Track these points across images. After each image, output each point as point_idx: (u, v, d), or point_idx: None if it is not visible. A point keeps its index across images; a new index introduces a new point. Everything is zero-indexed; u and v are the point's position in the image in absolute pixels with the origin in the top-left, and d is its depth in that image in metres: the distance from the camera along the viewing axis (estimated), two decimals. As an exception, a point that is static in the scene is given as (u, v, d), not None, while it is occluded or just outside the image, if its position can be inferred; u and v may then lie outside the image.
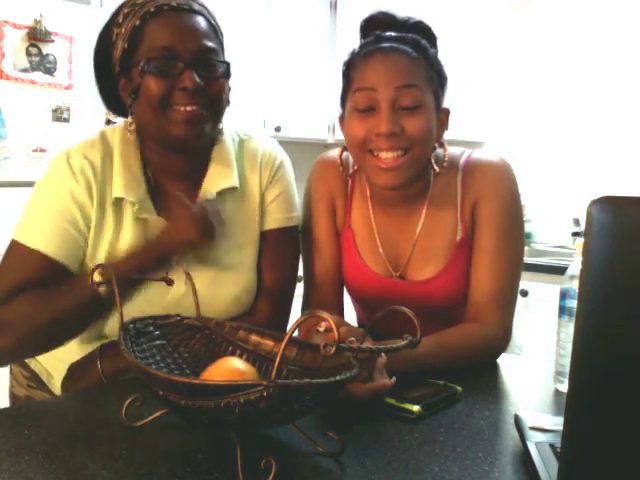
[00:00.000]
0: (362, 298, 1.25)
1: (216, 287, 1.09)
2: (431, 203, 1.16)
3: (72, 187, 1.02)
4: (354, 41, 1.14)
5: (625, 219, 0.49)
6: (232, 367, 0.74)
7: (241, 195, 1.14)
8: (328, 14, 3.45)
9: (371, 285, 1.19)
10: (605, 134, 2.98)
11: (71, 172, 1.03)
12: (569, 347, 0.88)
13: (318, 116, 3.38)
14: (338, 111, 1.16)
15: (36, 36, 2.29)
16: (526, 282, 2.48)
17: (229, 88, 1.08)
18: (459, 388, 0.92)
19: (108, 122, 2.43)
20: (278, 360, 0.61)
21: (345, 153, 1.19)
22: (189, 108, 1.00)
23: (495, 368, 1.11)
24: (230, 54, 1.10)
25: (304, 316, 0.63)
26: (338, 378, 0.66)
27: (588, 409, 0.51)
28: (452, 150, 1.17)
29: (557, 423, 0.75)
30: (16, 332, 0.97)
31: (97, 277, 0.92)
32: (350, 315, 1.30)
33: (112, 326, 1.03)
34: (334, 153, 1.23)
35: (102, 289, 0.96)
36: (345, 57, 1.13)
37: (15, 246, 1.02)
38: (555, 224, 3.13)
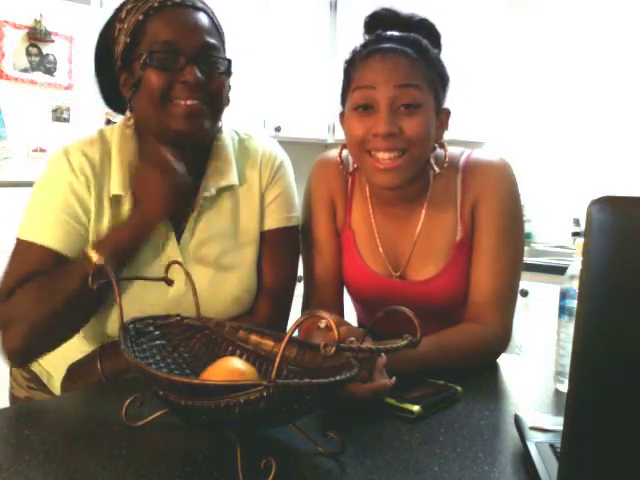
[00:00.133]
0: (362, 298, 1.25)
1: (216, 287, 1.09)
2: (431, 203, 1.16)
3: (71, 181, 1.03)
4: (354, 41, 1.14)
5: (625, 219, 0.49)
6: (232, 367, 0.74)
7: (241, 194, 1.14)
8: (328, 14, 3.45)
9: (371, 285, 1.19)
10: (605, 134, 2.98)
11: (70, 168, 1.03)
12: (569, 347, 0.88)
13: (318, 116, 3.38)
14: (338, 109, 1.16)
15: (36, 36, 2.29)
16: (526, 282, 2.47)
17: (229, 86, 1.08)
18: (459, 388, 0.92)
19: (108, 122, 2.43)
20: (278, 360, 0.61)
21: (345, 152, 1.19)
22: (189, 102, 1.00)
23: (495, 368, 1.11)
24: (230, 54, 1.10)
25: (304, 316, 0.63)
26: (338, 378, 0.66)
27: (588, 409, 0.51)
28: (452, 150, 1.17)
29: (557, 423, 0.75)
30: (21, 326, 0.97)
31: (92, 254, 0.96)
32: (350, 315, 1.30)
33: (114, 326, 1.03)
34: (334, 153, 1.23)
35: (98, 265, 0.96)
36: (346, 56, 1.13)
37: (19, 244, 1.03)
38: (555, 224, 3.13)
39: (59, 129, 2.38)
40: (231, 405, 0.62)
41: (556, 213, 3.12)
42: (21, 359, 1.04)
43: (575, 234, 2.95)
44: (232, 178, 1.11)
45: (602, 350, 0.50)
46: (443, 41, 1.15)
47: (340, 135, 1.18)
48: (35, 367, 1.14)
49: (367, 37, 1.13)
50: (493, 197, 1.13)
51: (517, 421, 0.79)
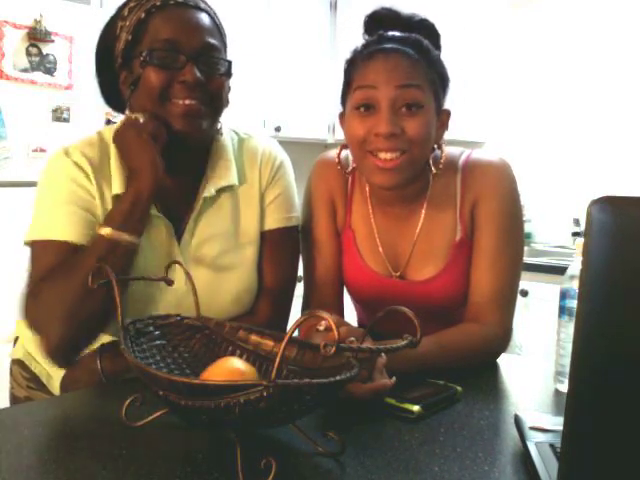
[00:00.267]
0: (362, 298, 1.25)
1: (217, 287, 1.09)
2: (430, 203, 1.16)
3: (75, 175, 1.02)
4: (354, 41, 1.14)
5: (625, 219, 0.49)
6: (232, 367, 0.74)
7: (240, 194, 1.14)
8: (328, 14, 3.45)
9: (371, 285, 1.19)
10: (605, 134, 2.98)
11: (72, 163, 1.03)
12: (569, 347, 0.88)
13: (318, 116, 3.38)
14: (338, 109, 1.16)
15: (36, 36, 2.29)
16: (526, 282, 2.48)
17: (229, 88, 1.08)
18: (459, 388, 0.92)
19: (108, 122, 2.43)
20: (278, 360, 0.61)
21: (344, 152, 1.19)
22: (187, 102, 1.00)
23: (495, 368, 1.11)
24: (230, 54, 1.10)
25: (304, 316, 0.63)
26: (338, 378, 0.66)
27: (588, 409, 0.51)
28: (451, 150, 1.17)
29: (557, 423, 0.75)
30: (53, 323, 0.96)
31: (104, 230, 0.96)
32: (350, 315, 1.30)
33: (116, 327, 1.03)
34: (333, 153, 1.23)
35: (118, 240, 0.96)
36: (347, 55, 1.13)
37: (35, 246, 1.02)
38: (555, 224, 3.13)
39: (59, 129, 2.38)
40: (231, 405, 0.62)
41: (556, 213, 3.12)
42: (64, 356, 1.00)
43: (575, 234, 2.95)
44: (232, 178, 1.11)
45: (602, 350, 0.50)
46: (444, 41, 1.15)
47: (340, 135, 1.18)
48: (35, 367, 1.14)
49: (367, 37, 1.13)
50: (493, 197, 1.13)
51: (517, 421, 0.79)
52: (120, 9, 1.06)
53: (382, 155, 1.05)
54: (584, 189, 2.98)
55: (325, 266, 1.22)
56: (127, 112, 1.07)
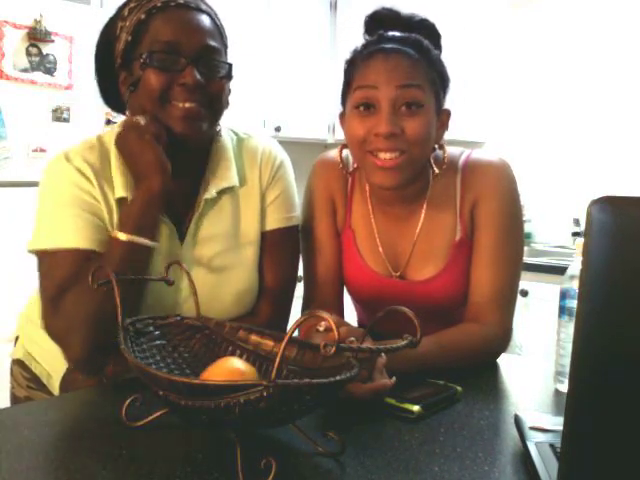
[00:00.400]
0: (362, 298, 1.25)
1: (218, 288, 1.09)
2: (430, 203, 1.16)
3: (77, 180, 1.01)
4: (354, 41, 1.14)
5: (625, 219, 0.49)
6: (232, 367, 0.74)
7: (241, 195, 1.13)
8: (328, 14, 3.45)
9: (371, 285, 1.19)
10: (605, 134, 2.98)
11: (73, 168, 1.02)
12: (569, 347, 0.88)
13: (318, 116, 3.38)
14: (338, 109, 1.16)
15: (36, 36, 2.29)
16: (526, 282, 2.48)
17: (229, 90, 1.07)
18: (459, 388, 0.92)
19: (108, 122, 2.43)
20: (278, 360, 0.61)
21: (345, 152, 1.19)
22: (187, 105, 1.00)
23: (495, 368, 1.11)
24: (231, 54, 1.10)
25: (304, 316, 0.63)
26: (338, 378, 0.66)
27: (588, 409, 0.51)
28: (451, 150, 1.17)
29: (557, 423, 0.75)
30: (77, 334, 0.95)
31: (119, 235, 0.96)
32: (350, 315, 1.30)
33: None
34: (334, 153, 1.23)
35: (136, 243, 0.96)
36: (347, 55, 1.13)
37: (44, 255, 1.00)
38: (555, 224, 3.13)
39: (59, 129, 2.38)
40: (231, 405, 0.62)
41: (556, 213, 3.12)
42: (91, 365, 0.99)
43: (575, 234, 2.95)
44: (232, 179, 1.11)
45: (602, 350, 0.50)
46: (444, 41, 1.15)
47: (340, 135, 1.17)
48: (35, 368, 1.14)
49: (367, 37, 1.13)
50: (493, 197, 1.13)
51: (517, 421, 0.79)
52: (120, 9, 1.05)
53: (382, 155, 1.05)
54: (584, 189, 2.98)
55: (325, 266, 1.22)
56: (127, 114, 1.07)
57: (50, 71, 2.35)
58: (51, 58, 2.35)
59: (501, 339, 1.12)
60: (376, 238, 1.20)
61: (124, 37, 1.02)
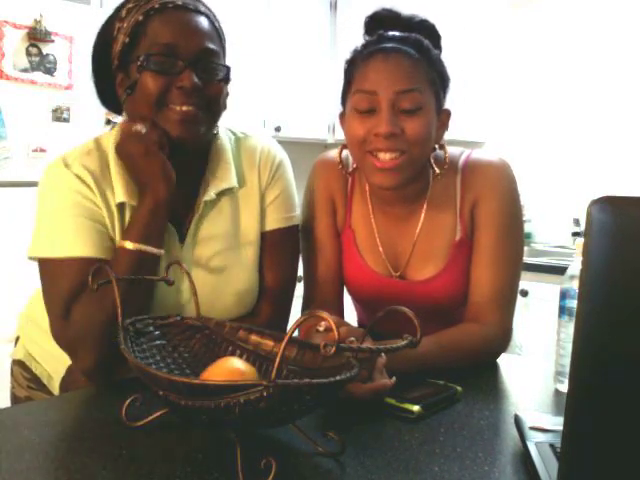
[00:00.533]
0: (362, 298, 1.25)
1: (219, 289, 1.09)
2: (430, 203, 1.16)
3: (78, 187, 1.00)
4: (354, 41, 1.14)
5: (625, 219, 0.49)
6: (232, 367, 0.74)
7: (240, 195, 1.13)
8: (328, 14, 3.45)
9: (371, 285, 1.19)
10: (605, 134, 2.98)
11: (73, 175, 1.00)
12: (569, 347, 0.88)
13: (318, 116, 3.39)
14: (338, 109, 1.16)
15: (36, 36, 2.29)
16: (526, 282, 2.48)
17: (227, 93, 1.07)
18: (459, 388, 0.92)
19: (108, 122, 2.43)
20: (278, 360, 0.61)
21: (345, 152, 1.19)
22: (184, 108, 0.99)
23: (495, 368, 1.11)
24: (230, 54, 1.09)
25: (304, 316, 0.63)
26: (338, 378, 0.66)
27: (588, 409, 0.51)
28: (451, 150, 1.17)
29: (557, 423, 0.75)
30: (88, 344, 0.95)
31: (127, 244, 0.96)
32: (350, 315, 1.30)
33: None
34: (334, 153, 1.23)
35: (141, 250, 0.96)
36: (347, 55, 1.13)
37: (48, 264, 0.99)
38: (555, 224, 3.13)
39: (59, 129, 2.38)
40: (231, 405, 0.62)
41: (556, 213, 3.12)
42: (101, 375, 0.98)
43: (575, 234, 2.95)
44: (232, 180, 1.10)
45: (602, 350, 0.50)
46: (444, 41, 1.15)
47: (340, 135, 1.17)
48: (36, 368, 1.14)
49: (367, 38, 1.13)
50: (493, 197, 1.13)
51: (517, 421, 0.79)
52: (118, 9, 1.04)
53: (382, 155, 1.05)
54: (584, 189, 2.98)
55: (325, 265, 1.22)
56: (124, 117, 1.06)
57: (50, 71, 2.35)
58: (51, 58, 2.35)
59: (501, 339, 1.12)
60: (376, 238, 1.20)
61: (121, 38, 1.01)
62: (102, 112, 2.41)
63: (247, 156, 1.15)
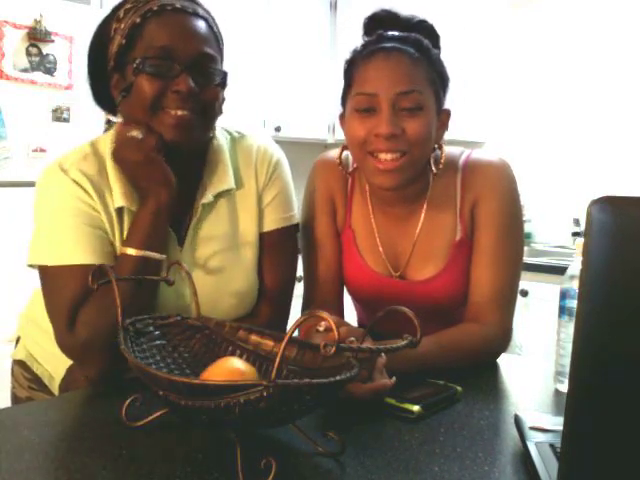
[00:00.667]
0: (362, 298, 1.25)
1: (218, 291, 1.08)
2: (430, 203, 1.16)
3: (76, 193, 0.99)
4: (354, 41, 1.14)
5: (625, 219, 0.49)
6: (232, 367, 0.74)
7: (238, 196, 1.12)
8: (328, 14, 3.45)
9: (371, 285, 1.19)
10: (605, 134, 2.98)
11: (71, 181, 1.00)
12: (569, 347, 0.88)
13: (318, 116, 3.39)
14: (338, 109, 1.16)
15: (36, 36, 2.29)
16: (526, 282, 2.47)
17: (223, 98, 1.06)
18: (459, 388, 0.92)
19: (108, 122, 2.43)
20: (278, 360, 0.61)
21: (345, 152, 1.19)
22: (179, 112, 0.98)
23: (495, 368, 1.11)
24: (230, 54, 1.09)
25: (304, 316, 0.63)
26: (338, 378, 0.66)
27: (588, 409, 0.51)
28: (451, 150, 1.17)
29: (557, 423, 0.75)
30: (95, 353, 0.95)
31: (129, 250, 0.96)
32: (350, 315, 1.30)
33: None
34: (334, 153, 1.23)
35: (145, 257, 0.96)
36: (346, 55, 1.13)
37: (49, 271, 0.98)
38: (555, 224, 3.13)
39: (59, 129, 2.38)
40: (231, 405, 0.62)
41: (556, 213, 3.12)
42: (106, 380, 0.98)
43: (575, 234, 2.95)
44: (229, 182, 1.09)
45: (602, 350, 0.50)
46: (444, 41, 1.15)
47: (340, 135, 1.17)
48: (37, 368, 1.14)
49: (367, 38, 1.13)
50: (493, 197, 1.13)
51: (517, 421, 0.79)
52: (115, 10, 1.03)
53: (382, 156, 1.05)
54: (584, 189, 2.98)
55: (326, 265, 1.22)
56: (118, 116, 1.05)
57: (50, 71, 2.35)
58: (51, 58, 2.35)
59: (501, 339, 1.12)
60: (376, 238, 1.20)
61: (118, 40, 1.00)
62: (102, 112, 2.41)
63: (244, 156, 1.14)
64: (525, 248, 1.26)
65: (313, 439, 0.73)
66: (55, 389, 1.10)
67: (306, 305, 1.24)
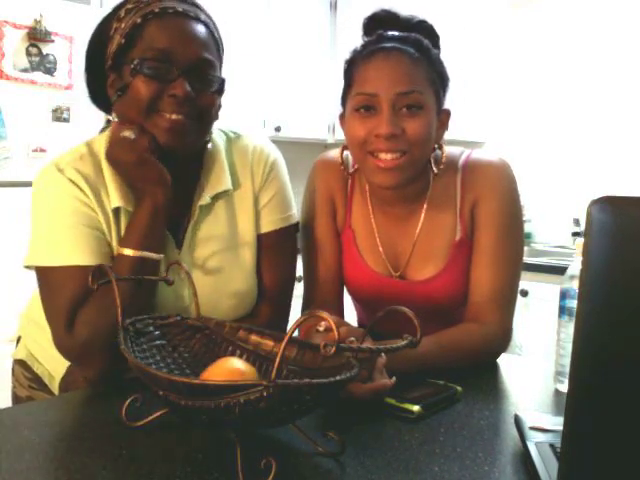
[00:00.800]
0: (362, 298, 1.25)
1: (217, 293, 1.08)
2: (431, 203, 1.16)
3: (74, 193, 0.99)
4: (354, 41, 1.14)
5: (625, 219, 0.49)
6: (232, 367, 0.74)
7: (235, 197, 1.12)
8: (328, 14, 3.45)
9: (371, 285, 1.19)
10: (605, 134, 2.98)
11: (68, 180, 0.99)
12: (569, 347, 0.88)
13: (318, 116, 3.39)
14: (338, 110, 1.16)
15: (36, 36, 2.29)
16: (526, 282, 2.48)
17: (220, 105, 1.05)
18: (459, 388, 0.92)
19: (108, 122, 2.43)
20: (278, 360, 0.61)
21: (345, 152, 1.19)
22: (174, 117, 0.97)
23: (495, 368, 1.11)
24: (230, 54, 1.09)
25: (304, 316, 0.63)
26: (338, 378, 0.66)
27: (588, 409, 0.51)
28: (451, 150, 1.17)
29: (557, 423, 0.75)
30: (95, 356, 0.94)
31: (126, 251, 0.96)
32: (350, 315, 1.30)
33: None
34: (334, 153, 1.23)
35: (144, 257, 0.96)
36: (346, 56, 1.13)
37: (47, 272, 0.98)
38: (555, 224, 3.13)
39: (59, 129, 2.38)
40: (231, 405, 0.62)
41: (556, 213, 3.13)
42: (106, 382, 0.98)
43: (575, 234, 2.95)
44: (226, 183, 1.09)
45: (602, 350, 0.50)
46: (444, 41, 1.15)
47: (340, 135, 1.17)
48: (37, 368, 1.14)
49: (366, 38, 1.13)
50: (493, 197, 1.13)
51: (517, 421, 0.79)
52: (116, 9, 1.02)
53: (383, 156, 1.05)
54: (584, 189, 2.98)
55: (326, 265, 1.22)
56: (112, 116, 1.05)
57: (50, 71, 2.35)
58: (51, 58, 2.35)
59: (501, 339, 1.12)
60: (376, 238, 1.20)
61: (117, 39, 0.99)
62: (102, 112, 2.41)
63: (240, 157, 1.14)
64: (525, 248, 1.26)
65: (313, 439, 0.73)
66: (55, 388, 1.10)
67: (306, 305, 1.24)
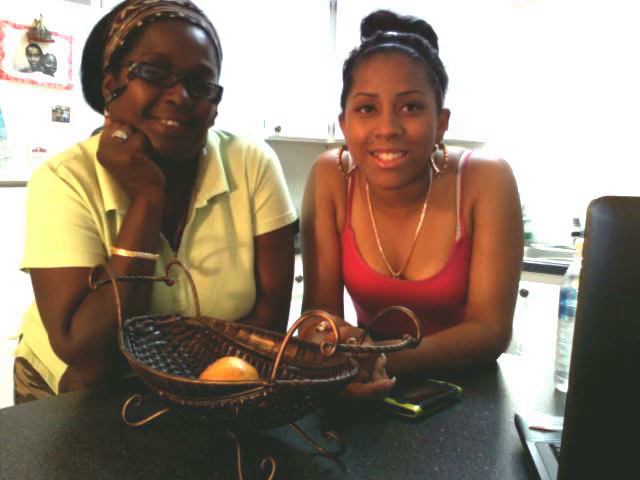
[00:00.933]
0: (362, 298, 1.25)
1: (216, 295, 1.08)
2: (431, 203, 1.16)
3: (67, 192, 0.98)
4: (354, 41, 1.14)
5: (625, 219, 0.49)
6: (232, 367, 0.74)
7: (232, 199, 1.12)
8: (328, 14, 3.45)
9: (371, 285, 1.19)
10: (605, 134, 2.98)
11: (61, 180, 0.98)
12: (569, 347, 0.88)
13: (318, 116, 3.38)
14: (338, 110, 1.16)
15: (36, 36, 2.29)
16: (526, 282, 2.48)
17: (216, 113, 1.05)
18: (459, 388, 0.92)
19: (108, 122, 2.43)
20: (278, 360, 0.61)
21: (345, 152, 1.19)
22: (170, 123, 0.97)
23: (495, 368, 1.11)
24: (230, 54, 1.08)
25: (304, 316, 0.63)
26: (338, 378, 0.66)
27: (588, 409, 0.51)
28: (451, 150, 1.17)
29: (557, 423, 0.75)
30: (92, 358, 0.94)
31: (121, 251, 0.95)
32: (350, 315, 1.30)
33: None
34: (334, 153, 1.23)
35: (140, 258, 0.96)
36: (346, 56, 1.13)
37: (42, 274, 0.97)
38: (555, 224, 3.13)
39: (59, 129, 2.38)
40: (231, 405, 0.62)
41: (556, 213, 3.13)
42: (105, 385, 0.96)
43: (575, 234, 2.95)
44: (222, 186, 1.08)
45: (602, 350, 0.50)
46: (445, 41, 1.15)
47: (340, 135, 1.17)
48: (37, 366, 1.14)
49: (365, 39, 1.13)
50: (493, 197, 1.13)
51: (517, 421, 0.79)
52: (117, 10, 1.02)
53: (383, 156, 1.05)
54: (584, 189, 2.99)
55: (325, 265, 1.22)
56: (105, 115, 1.04)
57: (50, 71, 2.35)
58: (51, 58, 2.35)
59: (501, 339, 1.12)
60: (376, 238, 1.20)
61: (116, 40, 0.99)
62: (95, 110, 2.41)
63: (234, 158, 1.13)
64: (525, 248, 1.26)
65: (313, 439, 0.73)
66: (55, 387, 1.10)
67: (306, 305, 1.24)
